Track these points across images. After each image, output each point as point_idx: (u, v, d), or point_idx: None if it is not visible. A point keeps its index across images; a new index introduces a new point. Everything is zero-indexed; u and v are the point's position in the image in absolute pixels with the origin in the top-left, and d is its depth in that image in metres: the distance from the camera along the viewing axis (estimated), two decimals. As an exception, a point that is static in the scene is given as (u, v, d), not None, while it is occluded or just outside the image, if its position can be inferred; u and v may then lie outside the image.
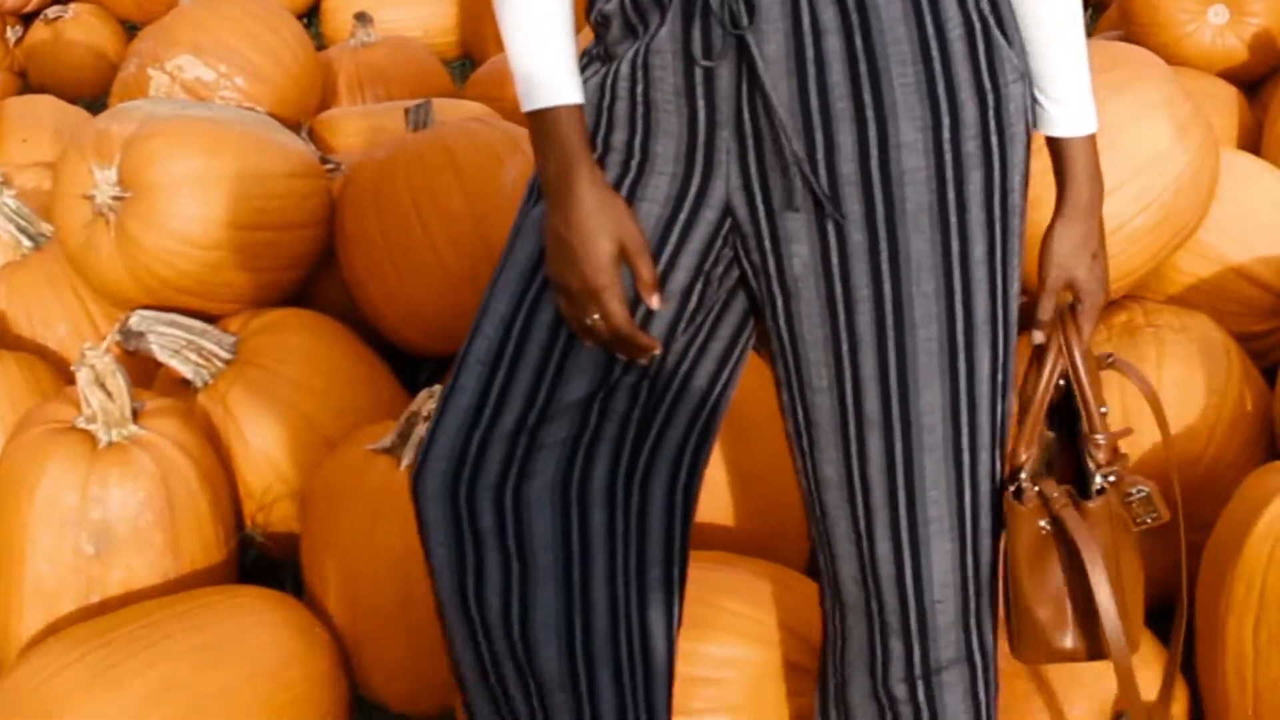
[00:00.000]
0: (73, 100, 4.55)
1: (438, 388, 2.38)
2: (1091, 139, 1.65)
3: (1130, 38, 3.59)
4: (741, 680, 2.14)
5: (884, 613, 1.72)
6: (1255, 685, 2.05)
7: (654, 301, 1.60)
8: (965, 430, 1.64)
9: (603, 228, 1.56)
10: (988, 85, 1.54)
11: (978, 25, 1.54)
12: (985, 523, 1.71)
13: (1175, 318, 2.61)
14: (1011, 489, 1.69)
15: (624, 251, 1.58)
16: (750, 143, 1.55)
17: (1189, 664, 2.20)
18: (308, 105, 4.09)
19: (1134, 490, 1.70)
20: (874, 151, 1.52)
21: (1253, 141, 3.38)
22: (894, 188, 1.53)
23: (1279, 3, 3.55)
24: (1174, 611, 1.94)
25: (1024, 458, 1.69)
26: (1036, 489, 1.68)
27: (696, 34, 1.52)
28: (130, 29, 5.32)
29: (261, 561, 2.74)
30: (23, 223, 3.24)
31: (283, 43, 4.06)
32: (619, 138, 1.61)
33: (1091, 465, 1.70)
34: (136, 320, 2.77)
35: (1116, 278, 2.36)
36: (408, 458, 2.40)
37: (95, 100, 4.76)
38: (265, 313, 2.93)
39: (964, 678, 1.77)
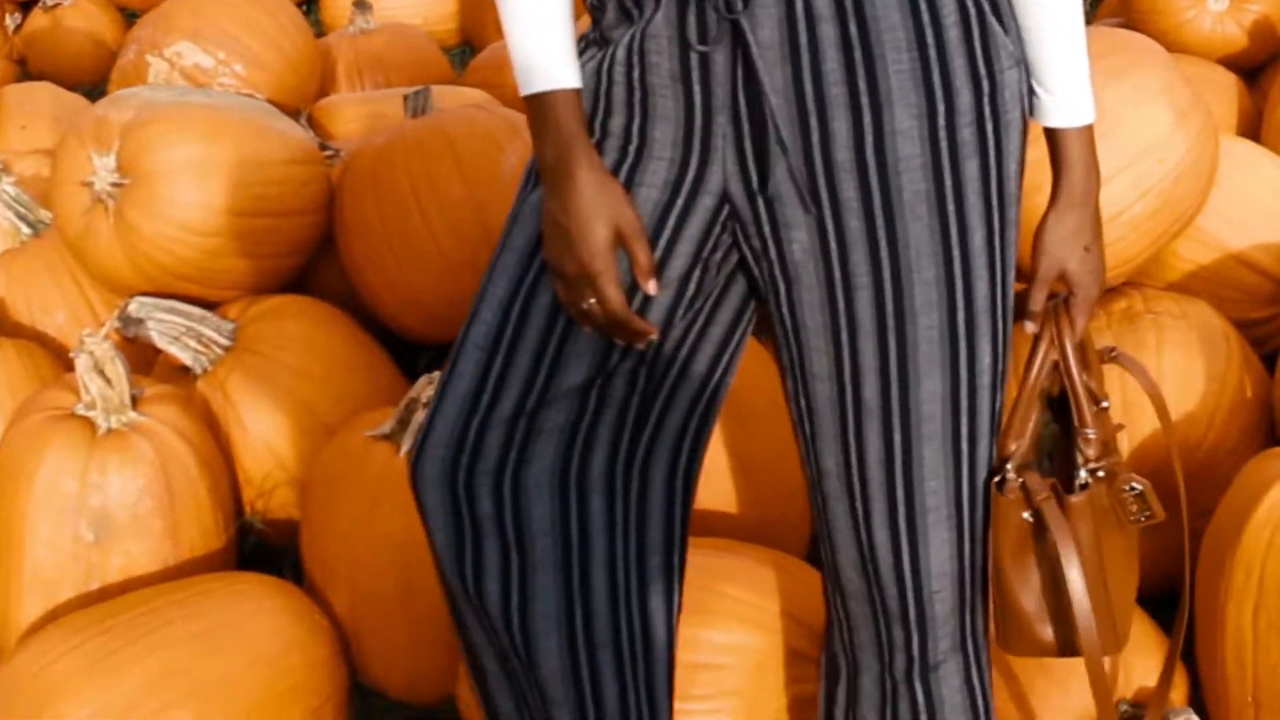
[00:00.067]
0: (71, 87, 4.54)
1: (437, 374, 2.37)
2: (1088, 129, 1.63)
3: (1130, 24, 3.59)
4: (742, 666, 2.14)
5: (885, 599, 1.72)
6: (1254, 671, 2.05)
7: (651, 287, 1.60)
8: (965, 420, 1.63)
9: (600, 213, 1.56)
10: (983, 72, 1.54)
11: (973, 11, 1.53)
12: (982, 513, 1.70)
13: (1175, 304, 2.61)
14: (996, 479, 1.68)
15: (621, 237, 1.57)
16: (747, 128, 1.54)
17: (1189, 650, 2.20)
18: (307, 92, 4.09)
19: (1128, 487, 1.69)
20: (869, 139, 1.51)
21: (1252, 128, 3.38)
22: (890, 175, 1.52)
23: (1278, -9, 3.56)
24: (1175, 599, 1.93)
25: (1012, 448, 1.68)
26: (1020, 480, 1.67)
27: (691, 19, 1.52)
28: (129, 16, 5.31)
29: (261, 548, 2.73)
30: (22, 210, 3.24)
31: (281, 29, 4.06)
32: (616, 123, 1.61)
33: (1080, 459, 1.69)
34: (135, 307, 2.77)
35: (1115, 264, 2.36)
36: (407, 444, 2.40)
37: (94, 87, 4.75)
38: (264, 299, 2.93)
39: (960, 668, 1.77)
